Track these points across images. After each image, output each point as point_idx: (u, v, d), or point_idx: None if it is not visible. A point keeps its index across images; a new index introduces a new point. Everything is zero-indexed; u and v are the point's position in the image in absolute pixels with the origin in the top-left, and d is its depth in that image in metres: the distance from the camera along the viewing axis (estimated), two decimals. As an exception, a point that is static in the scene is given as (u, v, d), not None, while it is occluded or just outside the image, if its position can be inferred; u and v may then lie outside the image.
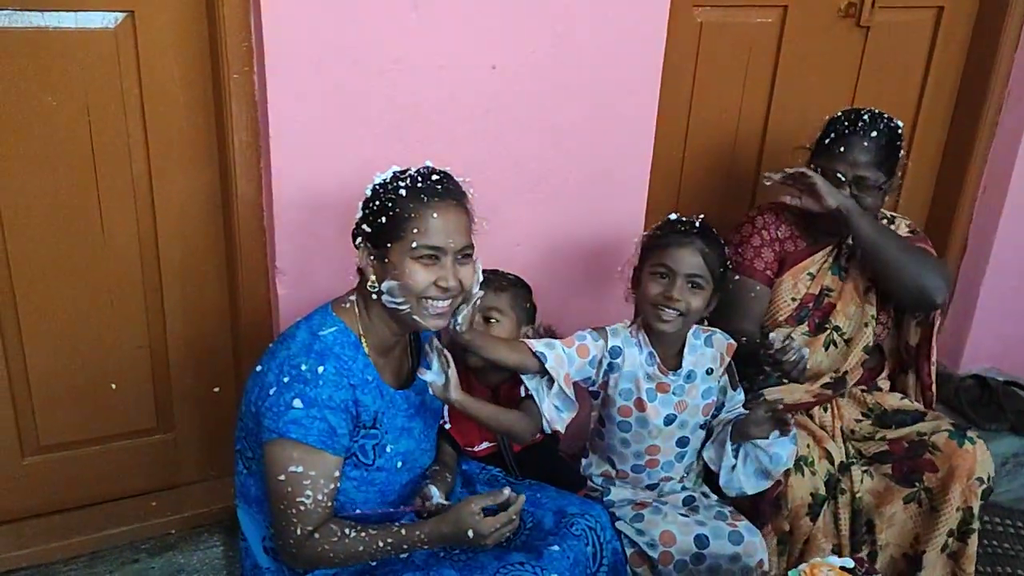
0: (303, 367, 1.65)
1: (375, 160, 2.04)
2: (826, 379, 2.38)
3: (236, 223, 2.10)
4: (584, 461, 2.24)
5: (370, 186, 1.71)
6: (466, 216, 1.71)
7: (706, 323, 2.12)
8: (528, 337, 2.04)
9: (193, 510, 2.29)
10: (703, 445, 2.15)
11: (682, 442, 2.11)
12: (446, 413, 2.02)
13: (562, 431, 2.00)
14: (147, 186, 2.05)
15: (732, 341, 2.13)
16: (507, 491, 1.71)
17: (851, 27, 2.78)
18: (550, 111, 2.24)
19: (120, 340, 2.16)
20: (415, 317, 1.70)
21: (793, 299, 2.35)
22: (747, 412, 2.09)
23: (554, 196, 2.35)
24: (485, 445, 2.11)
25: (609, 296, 2.52)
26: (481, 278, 1.76)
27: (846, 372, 2.39)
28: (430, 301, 1.68)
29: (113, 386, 2.18)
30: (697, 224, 2.01)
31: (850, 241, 2.34)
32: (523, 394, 2.00)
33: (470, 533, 1.65)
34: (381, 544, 1.68)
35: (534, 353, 1.93)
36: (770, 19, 2.66)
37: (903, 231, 2.42)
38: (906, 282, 2.28)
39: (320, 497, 1.65)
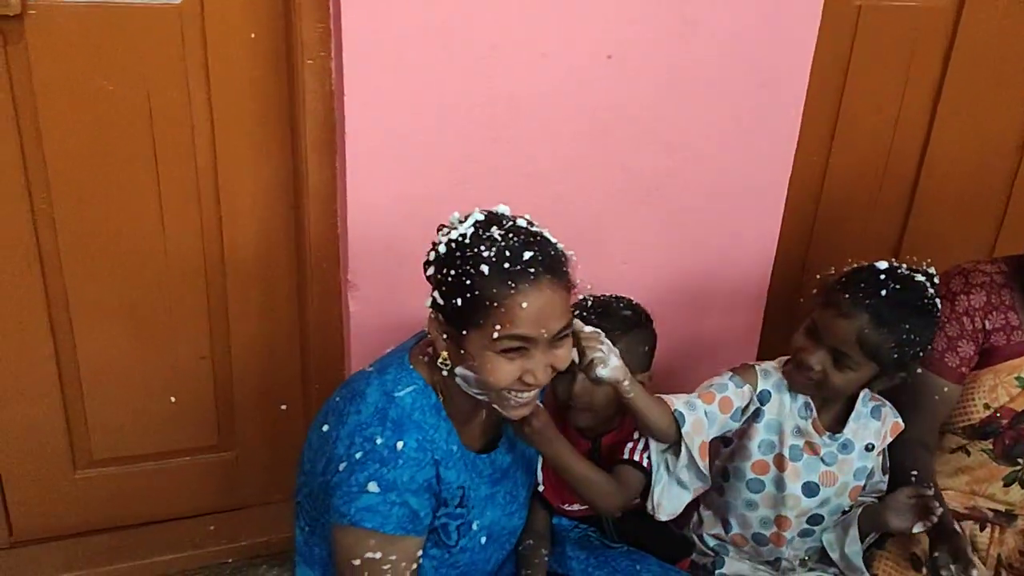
0: (378, 440, 1.36)
1: (466, 163, 1.80)
2: (992, 504, 1.91)
3: (307, 227, 1.87)
4: (694, 518, 1.91)
5: (444, 238, 1.36)
6: (564, 293, 1.36)
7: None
8: (645, 386, 1.73)
9: (252, 538, 2.10)
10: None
11: (815, 520, 1.75)
12: (540, 473, 1.73)
13: (665, 519, 1.66)
14: (212, 182, 1.85)
15: (900, 420, 1.75)
16: None
17: (1042, 14, 2.32)
18: (672, 109, 1.91)
19: (181, 350, 1.97)
20: (494, 406, 1.42)
21: (986, 406, 1.81)
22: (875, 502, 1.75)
23: (671, 209, 2.01)
24: (576, 507, 1.81)
25: (731, 329, 2.20)
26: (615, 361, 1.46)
27: (1018, 513, 1.92)
28: (513, 393, 1.38)
29: (172, 399, 2.00)
30: (885, 292, 1.56)
31: None
32: (625, 455, 1.67)
33: None
34: None
35: (672, 413, 1.60)
36: (944, 2, 2.23)
37: None
38: None
39: None
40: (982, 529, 1.87)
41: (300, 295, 1.98)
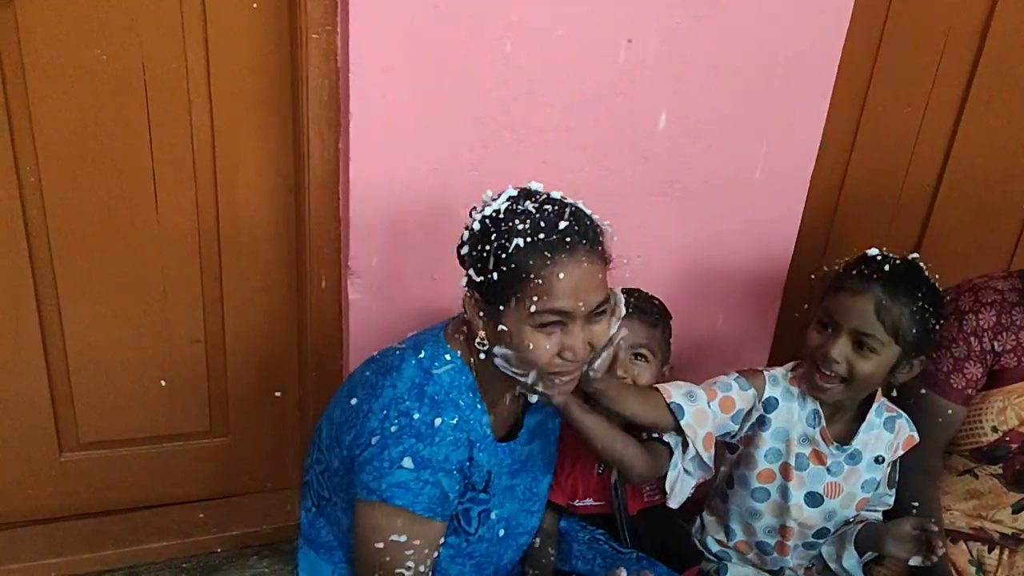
0: (415, 415, 1.33)
1: (476, 147, 1.72)
2: (1000, 528, 1.82)
3: (307, 209, 1.78)
4: (697, 523, 1.84)
5: (478, 215, 1.33)
6: (601, 265, 1.33)
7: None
8: (666, 378, 1.68)
9: (243, 528, 2.03)
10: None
11: (821, 534, 1.69)
12: None
13: (676, 507, 1.62)
14: (209, 159, 1.77)
15: (915, 434, 1.68)
16: None
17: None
18: (694, 97, 1.82)
19: (173, 333, 1.90)
20: (537, 388, 1.37)
21: (994, 429, 1.72)
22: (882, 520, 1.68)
23: (688, 200, 1.93)
24: (589, 502, 1.75)
25: (745, 325, 2.13)
26: (624, 311, 1.40)
27: None
28: (556, 373, 1.34)
29: (163, 383, 1.93)
30: (888, 267, 1.51)
31: None
32: (645, 436, 1.63)
33: None
34: None
35: (668, 405, 1.55)
36: (979, -9, 2.14)
37: None
38: None
39: (422, 569, 1.37)
40: (990, 551, 1.81)
41: (299, 280, 1.90)
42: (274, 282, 1.91)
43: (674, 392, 1.56)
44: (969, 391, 1.74)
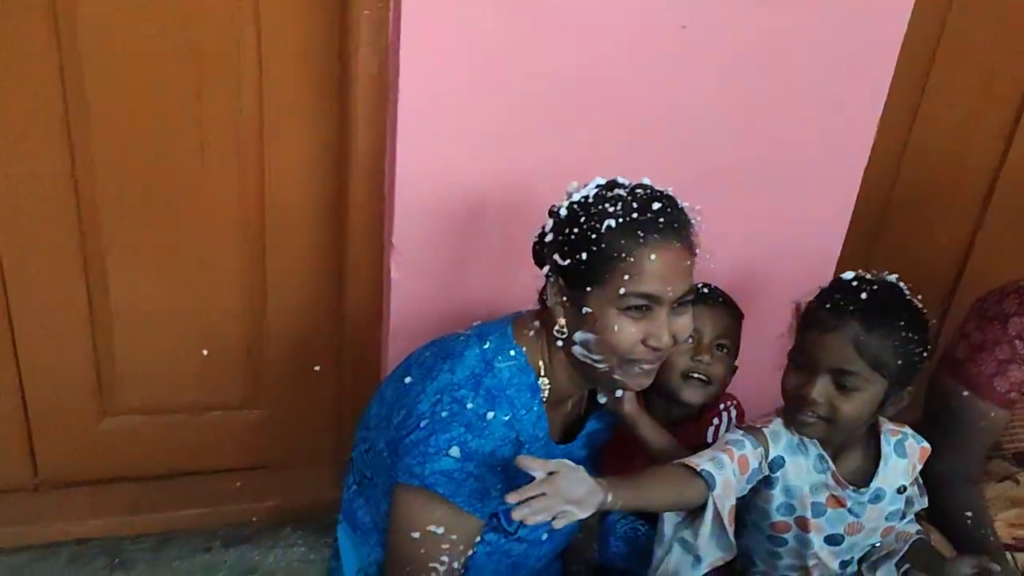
0: (468, 405, 1.31)
1: (526, 132, 1.71)
2: None
3: (352, 186, 1.78)
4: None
5: (565, 202, 1.33)
6: (690, 255, 1.31)
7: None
8: (730, 378, 1.66)
9: (277, 500, 2.05)
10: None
11: (845, 565, 1.61)
12: None
13: None
14: (256, 135, 1.77)
15: (926, 445, 1.57)
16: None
17: None
18: (748, 88, 1.79)
19: (214, 304, 1.91)
20: (616, 377, 1.34)
21: None
22: (923, 536, 1.60)
23: (738, 192, 1.89)
24: None
25: (786, 324, 2.09)
26: None
27: None
28: (636, 363, 1.32)
29: (205, 352, 1.95)
30: (865, 295, 1.40)
31: None
32: (708, 439, 1.59)
33: None
34: None
35: (700, 472, 1.41)
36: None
37: None
38: None
39: (456, 565, 1.34)
40: None
41: (341, 256, 1.90)
42: (316, 257, 1.92)
43: (703, 460, 1.43)
44: (1012, 394, 1.71)
